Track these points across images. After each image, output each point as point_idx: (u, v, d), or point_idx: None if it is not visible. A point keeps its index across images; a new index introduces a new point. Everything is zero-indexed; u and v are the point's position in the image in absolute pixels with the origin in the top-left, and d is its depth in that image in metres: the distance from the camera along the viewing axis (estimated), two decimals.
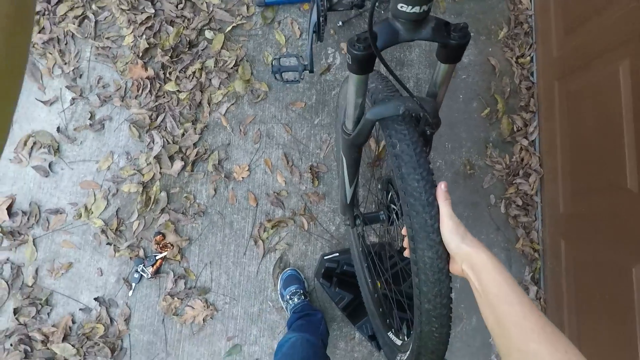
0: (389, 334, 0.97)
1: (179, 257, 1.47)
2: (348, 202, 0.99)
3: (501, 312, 0.49)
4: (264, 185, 1.52)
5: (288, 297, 1.38)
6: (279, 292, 1.44)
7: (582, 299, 1.34)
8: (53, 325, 1.44)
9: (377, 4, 0.49)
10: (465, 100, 1.63)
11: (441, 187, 0.60)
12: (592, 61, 1.32)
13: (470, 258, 0.55)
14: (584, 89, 1.37)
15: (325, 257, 1.38)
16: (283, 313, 1.47)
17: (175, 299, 1.45)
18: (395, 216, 0.99)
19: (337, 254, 1.38)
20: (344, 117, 0.73)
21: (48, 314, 1.47)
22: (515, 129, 1.62)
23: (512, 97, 1.64)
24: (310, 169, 1.52)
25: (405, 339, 0.89)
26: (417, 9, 0.48)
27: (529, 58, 1.65)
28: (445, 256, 0.60)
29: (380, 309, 1.10)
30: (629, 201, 1.15)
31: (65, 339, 1.43)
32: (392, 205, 0.98)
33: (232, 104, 1.57)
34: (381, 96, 0.68)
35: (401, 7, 0.49)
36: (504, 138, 1.61)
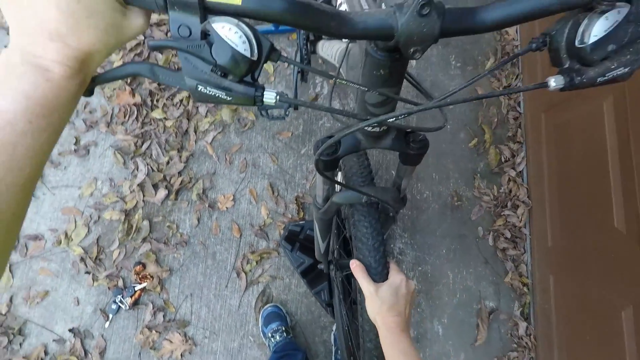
0: None
1: (158, 289, 1.43)
2: (322, 252, 0.98)
3: None
4: (248, 216, 1.50)
5: (270, 334, 1.34)
6: (260, 329, 1.40)
7: (573, 339, 1.30)
8: (24, 357, 1.39)
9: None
10: (453, 131, 1.62)
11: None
12: (578, 96, 1.32)
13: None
14: (570, 122, 1.36)
15: (290, 224, 1.45)
16: (264, 349, 1.42)
17: (153, 332, 1.41)
18: None
19: (303, 222, 1.45)
20: (315, 190, 0.75)
21: (20, 344, 1.41)
22: (503, 160, 1.61)
23: (500, 127, 1.64)
24: (296, 199, 1.50)
25: None
26: (377, 129, 0.52)
27: None
28: None
29: (350, 342, 1.07)
30: (617, 241, 1.13)
31: None
32: None
33: (219, 133, 1.56)
34: (353, 181, 0.70)
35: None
36: (492, 169, 1.60)
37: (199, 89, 0.31)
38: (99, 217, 1.51)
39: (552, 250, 1.43)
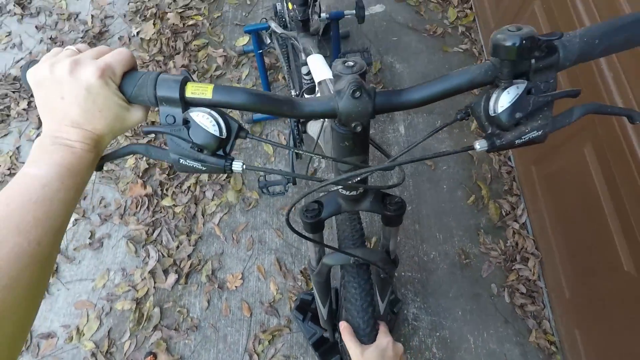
0: None
1: None
2: (325, 317, 0.98)
3: None
4: (257, 293, 1.50)
5: None
6: None
7: None
8: None
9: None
10: (450, 190, 1.67)
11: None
12: (561, 146, 1.39)
13: None
14: (559, 172, 1.41)
15: (302, 293, 1.42)
16: None
17: None
18: None
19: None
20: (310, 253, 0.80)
21: None
22: (504, 213, 1.63)
23: (495, 182, 1.69)
24: (302, 272, 1.51)
25: None
26: (354, 192, 0.57)
27: None
28: None
29: None
30: (630, 285, 1.10)
31: None
32: None
33: (225, 214, 1.63)
34: (345, 243, 0.74)
35: (342, 190, 0.58)
36: (495, 223, 1.61)
37: (180, 162, 0.40)
38: (110, 309, 1.52)
39: (571, 302, 1.37)
